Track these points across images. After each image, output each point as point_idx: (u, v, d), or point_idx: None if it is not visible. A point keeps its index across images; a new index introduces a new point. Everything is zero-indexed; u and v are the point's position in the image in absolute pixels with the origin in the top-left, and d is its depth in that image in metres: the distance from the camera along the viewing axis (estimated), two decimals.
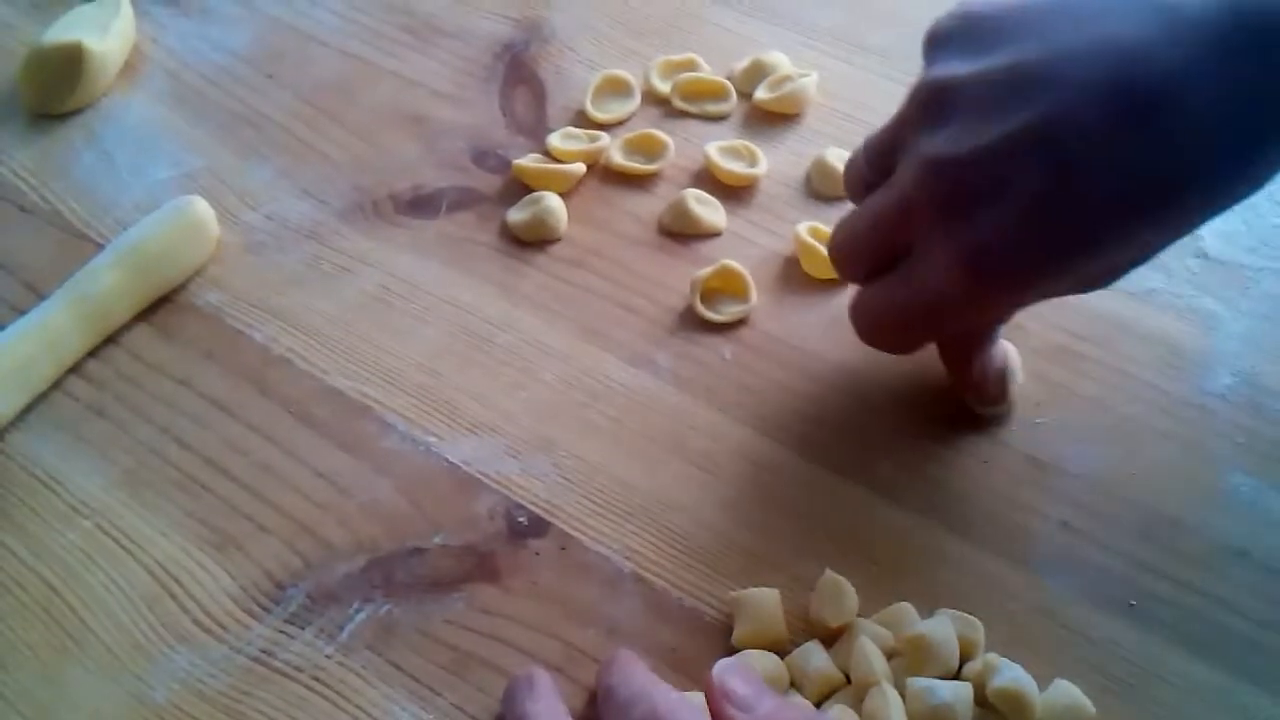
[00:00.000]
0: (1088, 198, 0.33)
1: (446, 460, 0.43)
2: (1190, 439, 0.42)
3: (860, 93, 0.54)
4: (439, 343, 0.46)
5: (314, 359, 0.46)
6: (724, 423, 0.43)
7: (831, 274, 0.46)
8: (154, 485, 0.43)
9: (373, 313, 0.47)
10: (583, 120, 0.54)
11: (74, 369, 0.46)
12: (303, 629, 0.39)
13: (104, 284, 0.46)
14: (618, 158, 0.51)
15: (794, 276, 0.47)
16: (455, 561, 0.40)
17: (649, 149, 0.52)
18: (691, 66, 0.55)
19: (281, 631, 0.39)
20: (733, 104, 0.54)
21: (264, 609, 0.39)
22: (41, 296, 0.47)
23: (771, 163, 0.51)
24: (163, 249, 0.48)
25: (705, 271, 0.46)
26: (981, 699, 0.35)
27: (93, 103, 0.56)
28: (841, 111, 0.53)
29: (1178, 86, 0.31)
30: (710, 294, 0.46)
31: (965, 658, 0.36)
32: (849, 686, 0.36)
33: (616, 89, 0.54)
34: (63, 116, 0.56)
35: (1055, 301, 0.45)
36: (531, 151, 0.52)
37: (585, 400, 0.44)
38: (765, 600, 0.37)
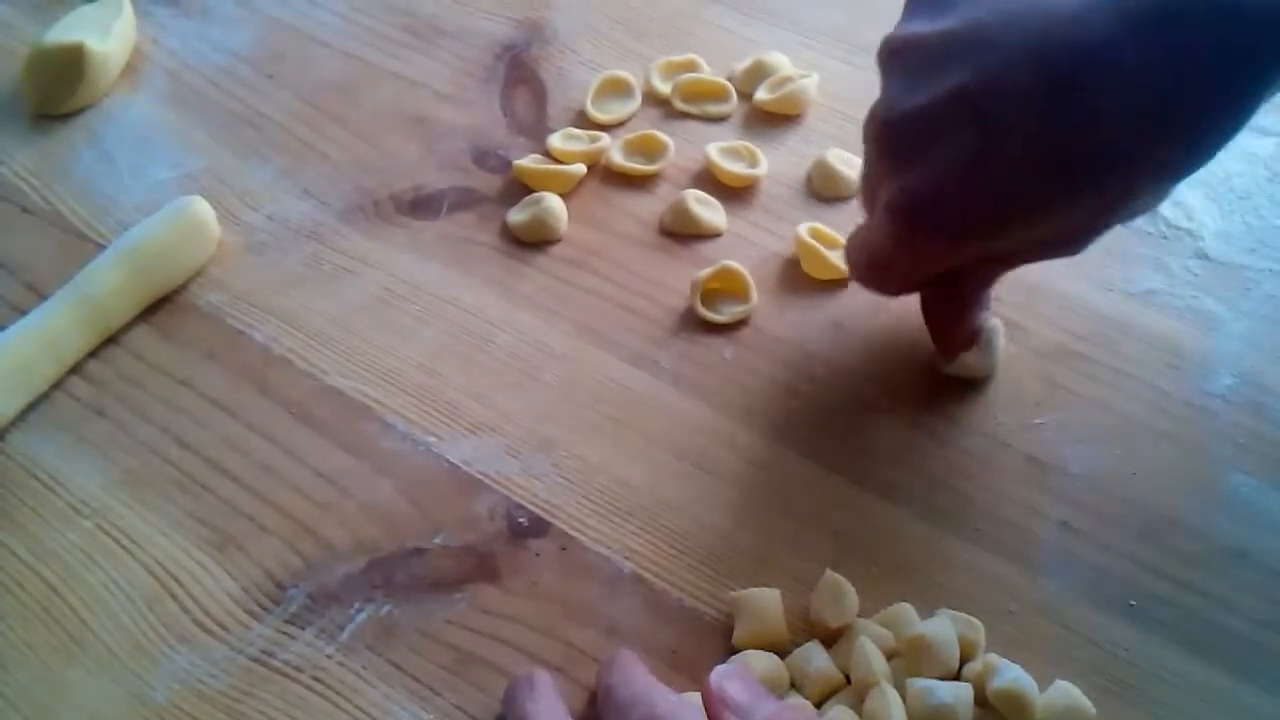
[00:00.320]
0: (1007, 161, 0.33)
1: (447, 460, 0.43)
2: (1191, 440, 0.42)
3: (861, 93, 0.53)
4: (439, 343, 0.46)
5: (314, 359, 0.46)
6: (724, 423, 0.43)
7: (832, 275, 0.47)
8: (154, 485, 0.43)
9: (373, 313, 0.47)
10: (583, 121, 0.54)
11: (75, 369, 0.46)
12: (303, 629, 0.39)
13: (105, 284, 0.46)
14: (618, 158, 0.51)
15: (794, 277, 0.47)
16: (455, 562, 0.40)
17: (649, 150, 0.52)
18: (692, 67, 0.55)
19: (282, 632, 0.39)
20: (733, 105, 0.54)
21: (264, 609, 0.39)
22: (42, 297, 0.47)
23: (772, 163, 0.51)
24: (163, 249, 0.48)
25: (706, 272, 0.46)
26: (982, 699, 0.35)
27: (94, 103, 0.56)
28: (842, 112, 0.53)
29: (1095, 57, 0.31)
30: (711, 295, 0.46)
31: (965, 658, 0.36)
32: (849, 687, 0.36)
33: (617, 90, 0.54)
34: (64, 117, 0.56)
35: (1055, 301, 0.45)
36: (532, 152, 0.52)
37: (586, 401, 0.44)
38: (765, 600, 0.37)
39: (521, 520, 0.41)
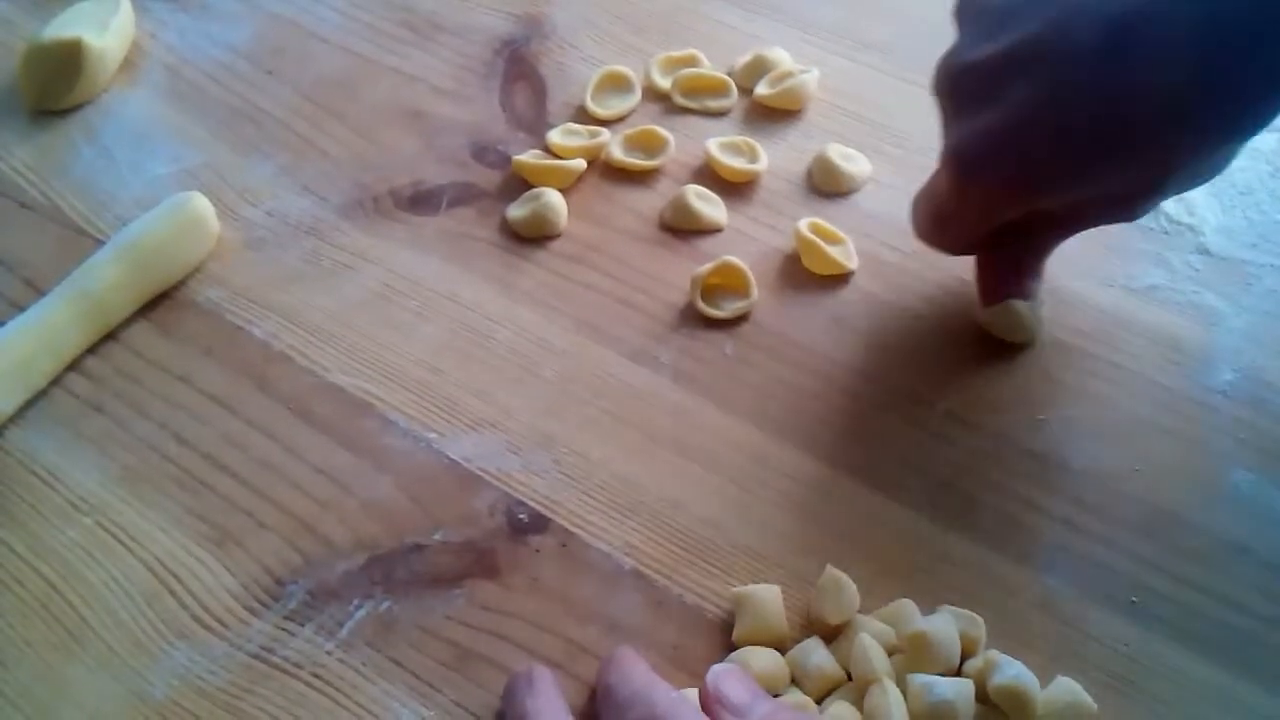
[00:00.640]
0: (1069, 110, 0.34)
1: (447, 457, 0.43)
2: (1192, 435, 0.42)
3: (861, 88, 0.54)
4: (439, 339, 0.46)
5: (314, 355, 0.46)
6: (725, 419, 0.43)
7: (832, 270, 0.47)
8: (154, 482, 0.43)
9: (373, 309, 0.47)
10: (583, 116, 0.53)
11: (73, 365, 0.46)
12: (303, 626, 0.39)
13: (104, 280, 0.46)
14: (618, 154, 0.51)
15: (795, 272, 0.47)
16: (455, 558, 0.40)
17: (649, 145, 0.52)
18: (692, 62, 0.55)
19: (281, 628, 0.39)
20: (733, 100, 0.53)
21: (264, 606, 0.39)
22: (41, 293, 0.47)
23: (772, 159, 0.51)
24: (162, 245, 0.48)
25: (706, 267, 0.46)
26: (983, 696, 0.35)
27: (92, 99, 0.56)
28: (842, 107, 0.53)
29: (1155, 10, 0.32)
30: (711, 290, 0.46)
31: (966, 654, 0.36)
32: (850, 683, 0.36)
33: (617, 85, 0.54)
34: (62, 113, 0.56)
35: (1056, 297, 0.45)
36: (532, 147, 0.52)
37: (586, 396, 0.44)
38: (766, 597, 0.37)
39: (522, 516, 0.41)
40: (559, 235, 0.49)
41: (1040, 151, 0.35)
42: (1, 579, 0.40)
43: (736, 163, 0.50)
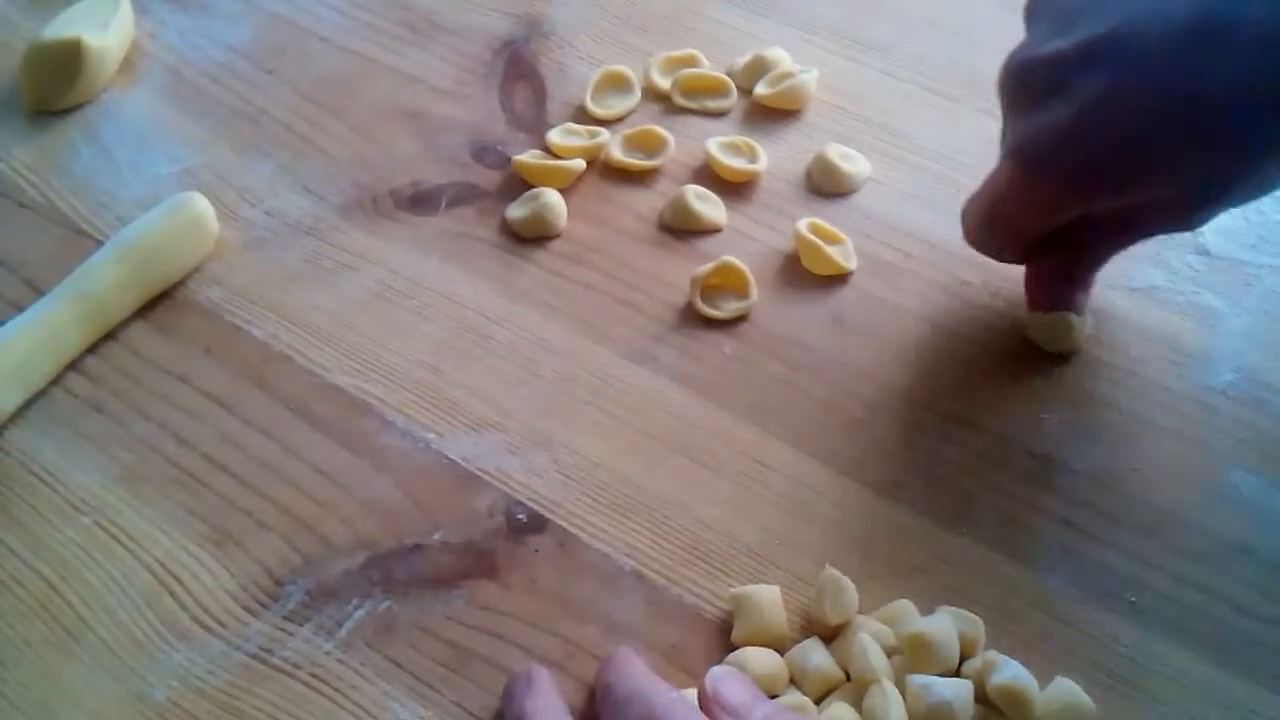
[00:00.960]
0: (1135, 107, 0.34)
1: (446, 457, 0.43)
2: (1192, 435, 0.42)
3: (861, 88, 0.54)
4: (439, 339, 0.46)
5: (313, 355, 0.46)
6: (724, 419, 0.43)
7: (832, 270, 0.47)
8: (153, 481, 0.43)
9: (372, 309, 0.47)
10: (583, 116, 0.53)
11: (73, 365, 0.46)
12: (302, 626, 0.39)
13: (103, 280, 0.46)
14: (618, 154, 0.51)
15: (794, 273, 0.47)
16: (455, 558, 0.40)
17: (649, 145, 0.52)
18: (692, 62, 0.55)
19: (280, 628, 0.39)
20: (733, 100, 0.53)
21: (263, 606, 0.39)
22: (41, 293, 0.47)
23: (772, 159, 0.51)
24: (162, 245, 0.48)
25: (705, 268, 0.46)
26: (982, 696, 0.35)
27: (92, 99, 0.56)
28: (842, 107, 0.53)
29: (1228, 12, 0.32)
30: (710, 290, 0.46)
31: (965, 655, 0.36)
32: (849, 684, 0.36)
33: (616, 85, 0.54)
34: (62, 113, 0.55)
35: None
36: (531, 147, 0.52)
37: (585, 397, 0.44)
38: (765, 597, 0.37)
39: (521, 516, 0.41)
40: (558, 235, 0.49)
41: (1106, 147, 0.35)
42: (1, 579, 0.40)
43: (736, 163, 0.50)
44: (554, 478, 0.42)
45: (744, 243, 0.48)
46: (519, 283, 0.48)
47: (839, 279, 0.47)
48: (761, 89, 0.53)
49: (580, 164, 0.50)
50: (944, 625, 0.35)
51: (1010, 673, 0.34)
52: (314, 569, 0.40)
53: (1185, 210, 0.37)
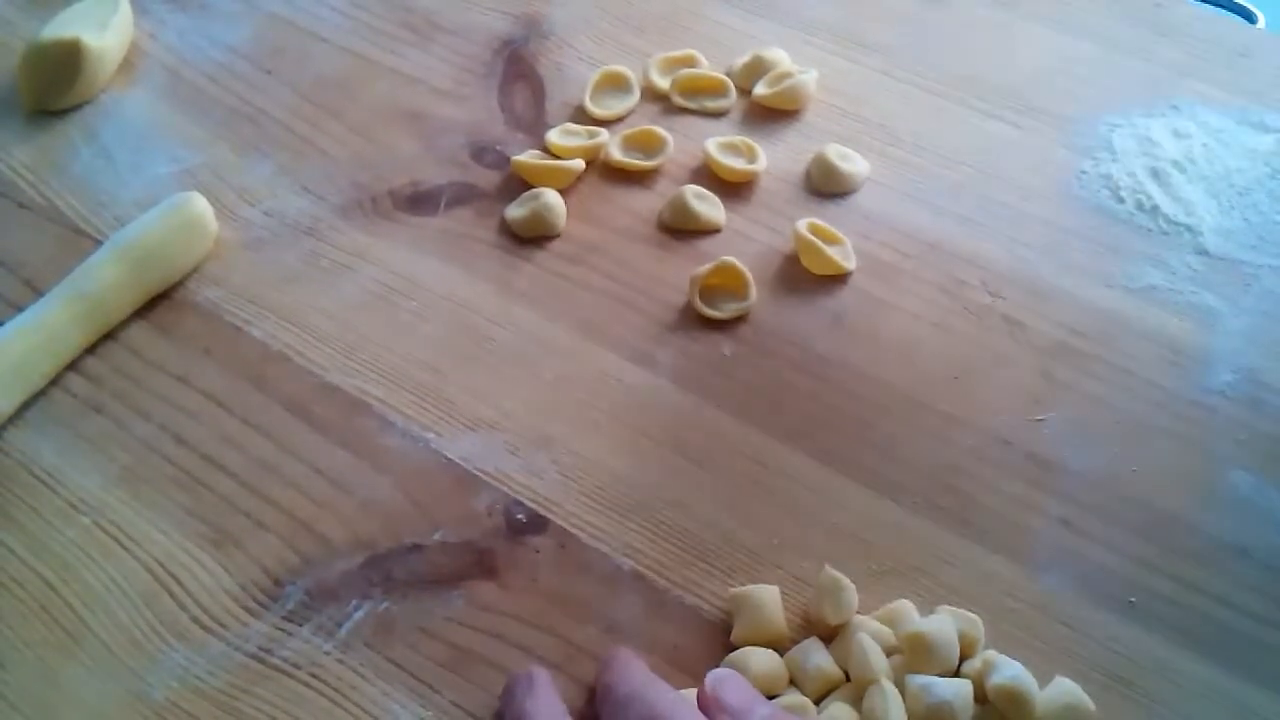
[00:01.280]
0: None
1: (445, 457, 0.43)
2: (1190, 436, 0.42)
3: (860, 89, 0.54)
4: (438, 339, 0.46)
5: (313, 355, 0.46)
6: (723, 419, 0.43)
7: (831, 270, 0.47)
8: (152, 482, 0.42)
9: (372, 309, 0.47)
10: (582, 116, 0.53)
11: (72, 366, 0.46)
12: (301, 626, 0.39)
13: (102, 280, 0.46)
14: (617, 154, 0.51)
15: (794, 273, 0.47)
16: (454, 559, 0.40)
17: (648, 145, 0.52)
18: (691, 63, 0.55)
19: (280, 629, 0.39)
20: (732, 100, 0.53)
21: (262, 606, 0.39)
22: (40, 293, 0.47)
23: (771, 159, 0.51)
24: (161, 245, 0.47)
25: (705, 268, 0.46)
26: (981, 696, 0.35)
27: (91, 99, 0.56)
28: (841, 108, 0.53)
29: None
30: (710, 290, 0.46)
31: (965, 655, 0.36)
32: (848, 684, 0.36)
33: (616, 85, 0.54)
34: (61, 113, 0.55)
35: (1055, 298, 0.45)
36: (530, 148, 0.52)
37: (584, 397, 0.44)
38: (765, 597, 0.37)
39: (520, 517, 0.41)
40: (558, 235, 0.49)
41: None
42: (1, 580, 0.40)
43: (735, 163, 0.50)
44: (554, 478, 0.42)
45: (743, 243, 0.48)
46: (518, 283, 0.48)
47: (838, 279, 0.47)
48: (761, 89, 0.53)
49: (579, 164, 0.50)
50: (944, 625, 0.35)
51: (1010, 673, 0.34)
52: (313, 569, 0.40)
53: None
